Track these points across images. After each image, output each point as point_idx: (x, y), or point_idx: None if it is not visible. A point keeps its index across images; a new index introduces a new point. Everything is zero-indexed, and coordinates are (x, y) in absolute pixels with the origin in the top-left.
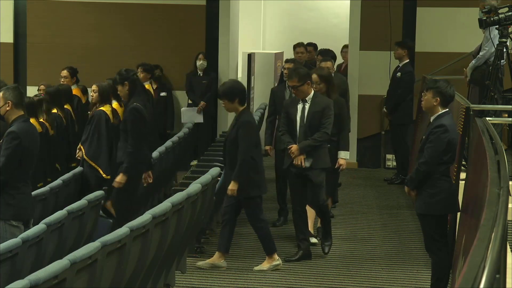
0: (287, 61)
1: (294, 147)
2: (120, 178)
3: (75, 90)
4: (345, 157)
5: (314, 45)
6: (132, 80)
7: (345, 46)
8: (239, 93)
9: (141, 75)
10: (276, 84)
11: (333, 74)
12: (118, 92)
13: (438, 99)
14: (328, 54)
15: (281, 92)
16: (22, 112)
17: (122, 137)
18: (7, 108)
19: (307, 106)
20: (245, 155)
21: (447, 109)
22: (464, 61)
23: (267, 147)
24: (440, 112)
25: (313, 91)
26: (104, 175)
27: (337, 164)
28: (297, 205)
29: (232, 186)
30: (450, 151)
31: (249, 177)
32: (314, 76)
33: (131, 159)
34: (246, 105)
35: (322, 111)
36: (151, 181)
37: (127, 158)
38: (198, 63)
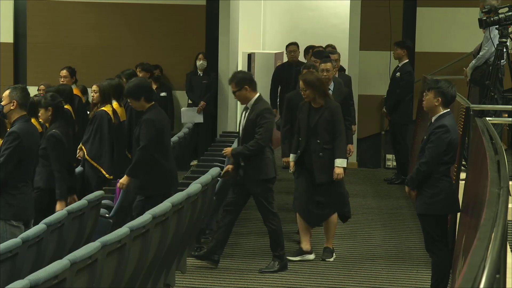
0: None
1: (227, 150)
2: (59, 205)
3: (75, 90)
4: (341, 165)
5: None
6: (56, 107)
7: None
8: (144, 91)
9: (140, 74)
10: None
11: (337, 75)
12: (39, 115)
13: (440, 99)
14: (323, 55)
15: (297, 98)
16: (24, 113)
17: (40, 163)
18: (11, 107)
19: (247, 113)
20: (142, 153)
21: (449, 109)
22: (464, 61)
23: (285, 159)
24: (441, 113)
25: (256, 96)
26: (106, 175)
27: (333, 174)
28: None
29: (123, 181)
30: (451, 151)
31: (146, 176)
32: (300, 82)
33: (62, 183)
34: (153, 102)
35: (255, 119)
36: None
37: (58, 183)
38: (198, 63)
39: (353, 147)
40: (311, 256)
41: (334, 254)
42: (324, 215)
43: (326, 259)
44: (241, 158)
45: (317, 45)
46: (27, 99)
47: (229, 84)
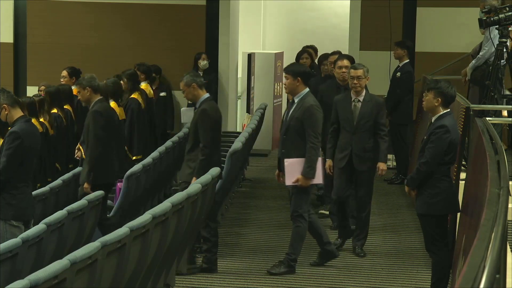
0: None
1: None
2: None
3: (75, 90)
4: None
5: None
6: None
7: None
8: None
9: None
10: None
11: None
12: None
13: (440, 99)
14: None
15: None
16: (21, 112)
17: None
18: (6, 112)
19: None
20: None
21: (449, 110)
22: (464, 61)
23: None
24: (441, 113)
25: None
26: None
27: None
28: None
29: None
30: (451, 151)
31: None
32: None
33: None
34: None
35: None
36: None
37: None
38: (203, 63)
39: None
40: None
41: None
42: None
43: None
44: None
45: (317, 45)
46: (13, 96)
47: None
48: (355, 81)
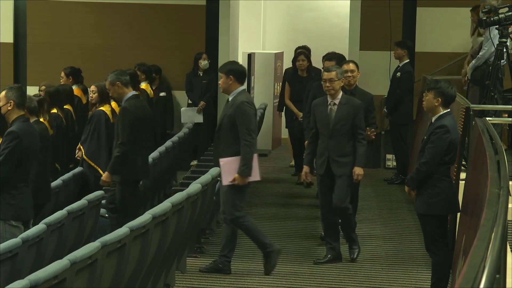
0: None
1: None
2: None
3: (76, 90)
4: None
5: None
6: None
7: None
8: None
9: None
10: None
11: None
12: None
13: (440, 99)
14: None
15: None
16: (22, 113)
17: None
18: (9, 108)
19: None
20: None
21: (449, 110)
22: (463, 61)
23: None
24: (441, 113)
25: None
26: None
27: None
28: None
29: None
30: (451, 151)
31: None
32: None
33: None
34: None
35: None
36: None
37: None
38: (203, 63)
39: None
40: None
41: None
42: None
43: None
44: None
45: (317, 45)
46: (24, 98)
47: None
48: (328, 84)
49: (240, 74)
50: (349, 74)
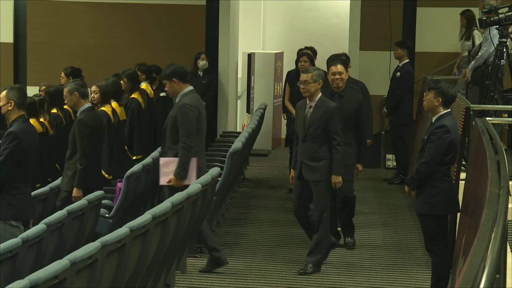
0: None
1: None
2: None
3: None
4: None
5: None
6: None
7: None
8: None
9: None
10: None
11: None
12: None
13: (440, 99)
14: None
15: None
16: (22, 113)
17: None
18: (9, 108)
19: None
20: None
21: (449, 110)
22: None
23: None
24: (442, 113)
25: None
26: (106, 175)
27: None
28: None
29: None
30: (451, 151)
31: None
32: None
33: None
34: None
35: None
36: None
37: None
38: (202, 63)
39: None
40: None
41: None
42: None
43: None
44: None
45: (317, 45)
46: (25, 98)
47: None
48: (302, 86)
49: (182, 73)
50: (337, 76)
